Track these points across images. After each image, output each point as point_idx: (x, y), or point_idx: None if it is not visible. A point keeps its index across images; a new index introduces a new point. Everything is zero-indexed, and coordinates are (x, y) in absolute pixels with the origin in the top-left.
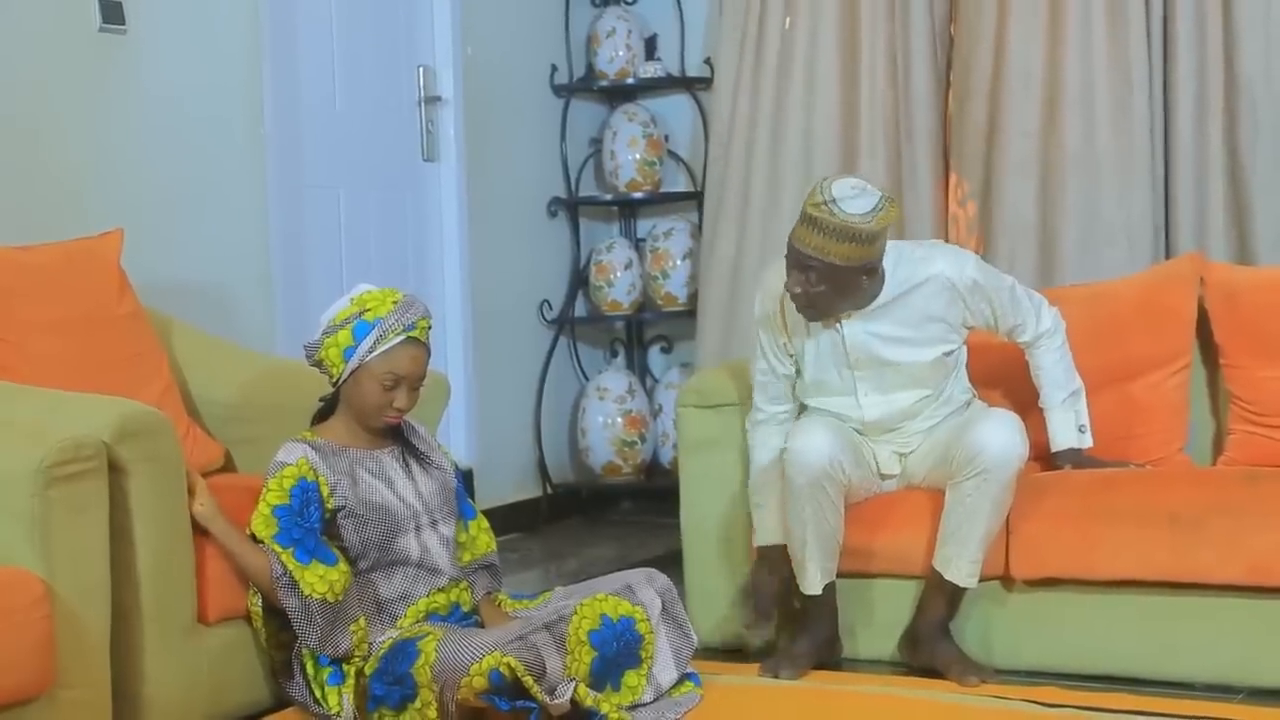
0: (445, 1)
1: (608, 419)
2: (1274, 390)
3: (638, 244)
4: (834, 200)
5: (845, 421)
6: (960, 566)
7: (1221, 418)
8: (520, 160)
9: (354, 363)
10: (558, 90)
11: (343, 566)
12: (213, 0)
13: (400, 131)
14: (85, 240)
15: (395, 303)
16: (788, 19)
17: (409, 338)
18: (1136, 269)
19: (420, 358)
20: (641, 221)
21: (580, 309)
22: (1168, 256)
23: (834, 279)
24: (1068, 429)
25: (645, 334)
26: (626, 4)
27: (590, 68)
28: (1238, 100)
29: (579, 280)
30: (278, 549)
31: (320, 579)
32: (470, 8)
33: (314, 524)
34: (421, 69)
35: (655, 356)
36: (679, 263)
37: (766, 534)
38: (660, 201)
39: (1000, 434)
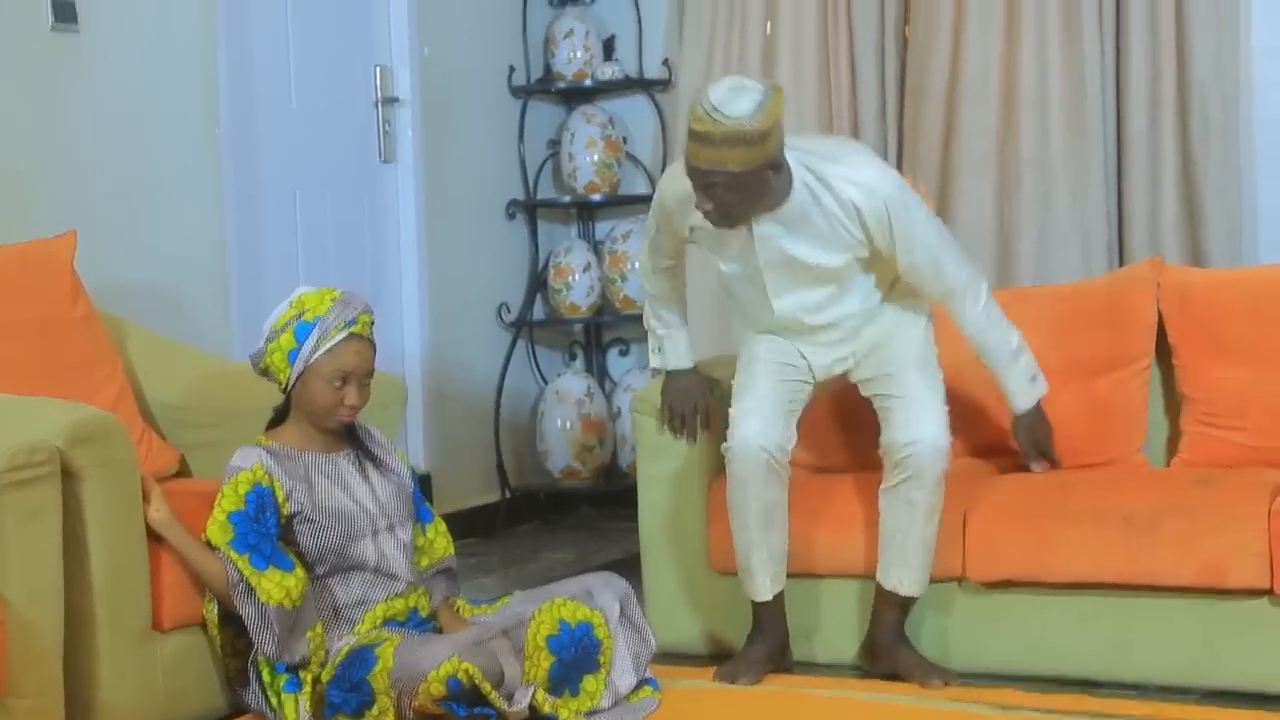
0: (402, 1)
1: (566, 422)
2: (1227, 391)
3: (596, 246)
4: (715, 109)
5: (759, 321)
6: (904, 577)
7: (1176, 418)
8: (478, 162)
9: (299, 365)
10: (515, 91)
11: (299, 572)
12: (167, 2)
13: (357, 132)
14: (38, 242)
15: (334, 300)
16: (768, 23)
17: (351, 333)
18: (1092, 270)
19: (365, 352)
20: (600, 224)
21: (539, 311)
22: (1122, 258)
23: (740, 186)
24: (1022, 387)
25: (604, 337)
26: (584, 5)
27: (548, 69)
28: (1190, 101)
29: (537, 283)
30: (233, 555)
31: (277, 585)
32: (427, 8)
33: (270, 529)
34: (379, 69)
35: (614, 359)
36: (637, 265)
37: (675, 358)
38: (619, 204)
39: (927, 431)
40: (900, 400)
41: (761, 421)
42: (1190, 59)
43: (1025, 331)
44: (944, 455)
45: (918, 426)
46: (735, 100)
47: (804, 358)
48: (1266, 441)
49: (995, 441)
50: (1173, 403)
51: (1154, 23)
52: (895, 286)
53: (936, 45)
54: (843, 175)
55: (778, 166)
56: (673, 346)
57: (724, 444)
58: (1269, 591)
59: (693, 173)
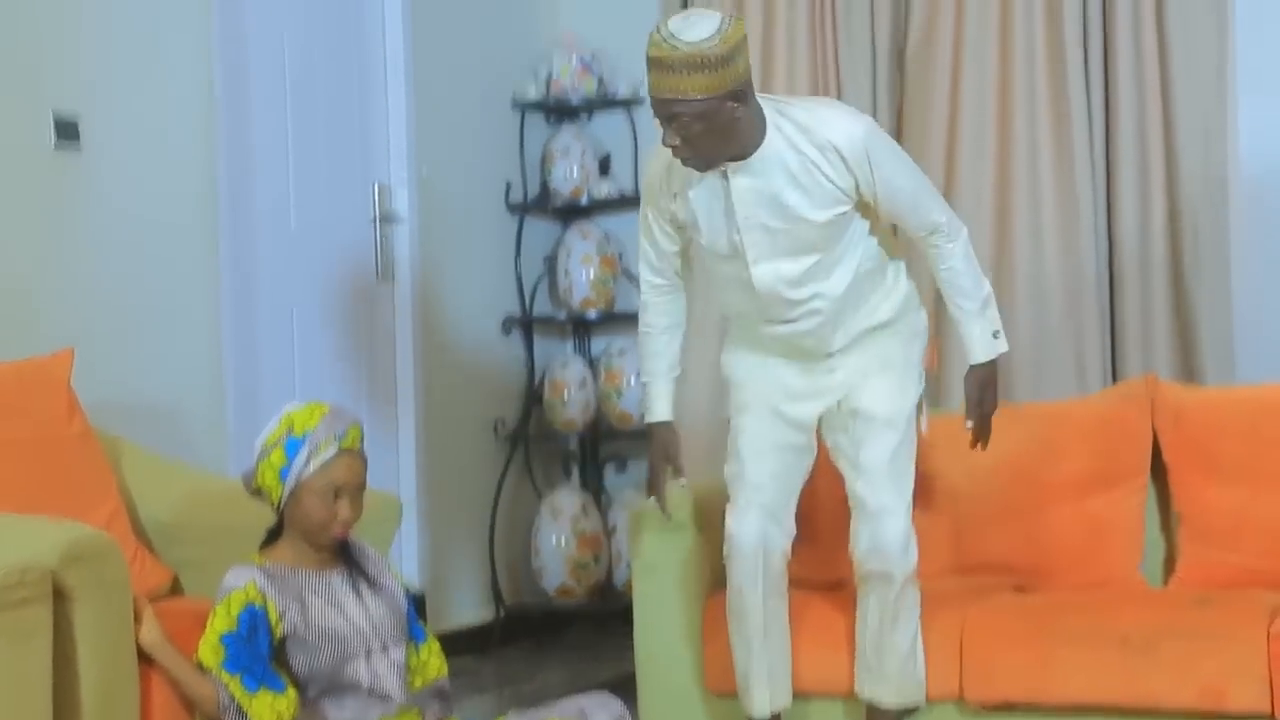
0: (401, 120)
1: (561, 539)
2: (1223, 511)
3: (592, 361)
4: (671, 35)
5: (742, 315)
6: (878, 689)
7: (1172, 538)
8: (475, 278)
9: (291, 481)
10: (512, 208)
11: (291, 694)
12: (168, 118)
13: (355, 250)
14: (35, 360)
15: (323, 415)
16: None
17: (342, 448)
18: (1086, 387)
19: (357, 466)
20: (595, 339)
21: (534, 427)
22: (1115, 375)
23: (705, 117)
24: (984, 340)
25: (600, 452)
26: (581, 123)
27: (545, 186)
28: (1180, 221)
29: (533, 398)
30: (225, 677)
31: (268, 708)
32: (426, 127)
33: (262, 650)
34: (377, 187)
35: (610, 475)
36: (633, 381)
37: (657, 409)
38: (614, 320)
39: (887, 535)
40: (860, 501)
41: (759, 519)
42: (1179, 180)
43: (1020, 449)
44: (903, 559)
45: (877, 532)
46: (693, 26)
47: (795, 399)
48: (1263, 562)
49: (992, 559)
50: (1169, 522)
51: (1142, 144)
52: (879, 291)
53: (929, 168)
54: (819, 118)
55: (742, 98)
56: (652, 396)
57: (724, 549)
58: (1270, 716)
59: (656, 105)
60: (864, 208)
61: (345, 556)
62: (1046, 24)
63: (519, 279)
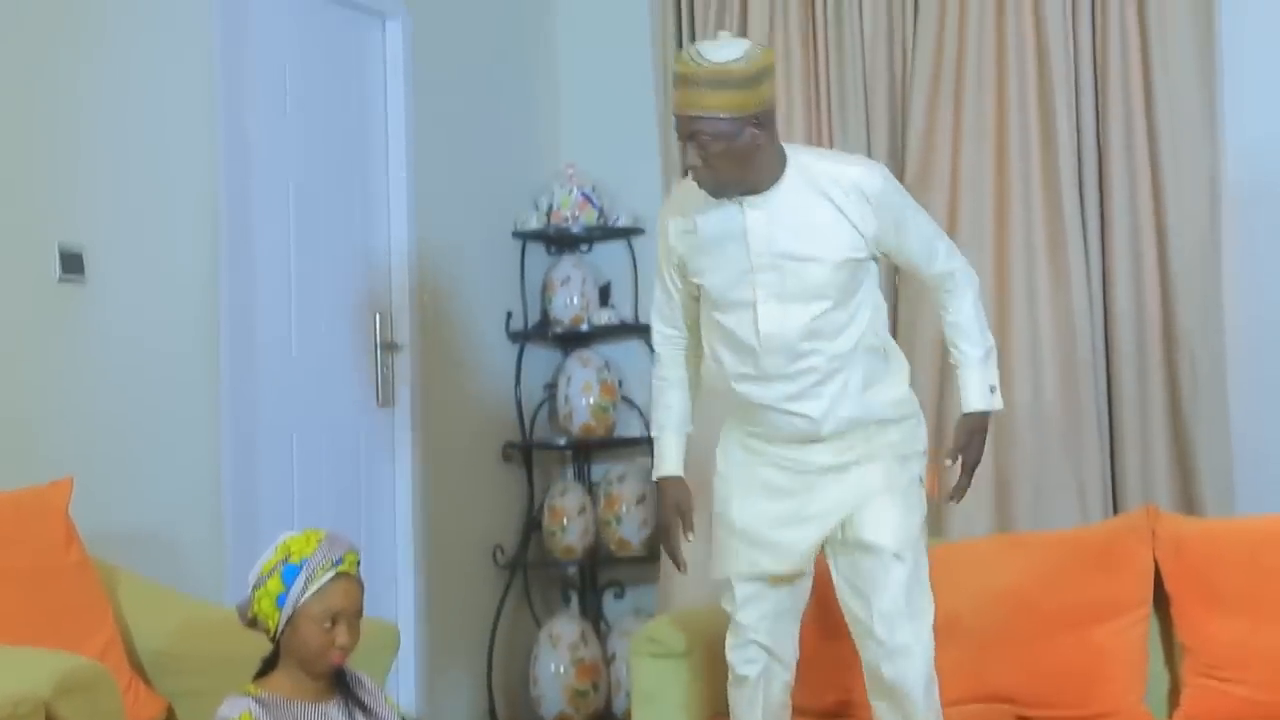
0: (403, 249)
1: (560, 666)
2: (1226, 642)
3: (591, 488)
4: (699, 53)
5: (736, 364)
6: None
7: (1176, 669)
8: (475, 404)
9: (288, 608)
10: (513, 336)
11: None
12: (172, 248)
13: (356, 376)
14: (34, 489)
15: (319, 541)
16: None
17: (339, 573)
18: (1088, 516)
19: (354, 591)
20: (595, 466)
21: (533, 553)
22: (1116, 505)
23: (726, 138)
24: (981, 390)
25: (599, 579)
26: (581, 253)
27: (545, 314)
28: (1178, 355)
29: (532, 524)
30: None
31: None
32: (427, 255)
33: None
34: (378, 316)
35: (609, 602)
36: (632, 508)
37: (666, 464)
38: (614, 445)
39: (915, 677)
40: (876, 640)
41: (759, 652)
42: (1175, 308)
43: (1021, 578)
44: (926, 702)
45: (896, 675)
46: (721, 47)
47: (787, 524)
48: (1268, 695)
49: (994, 689)
50: (1172, 653)
51: (1138, 277)
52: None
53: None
54: (839, 159)
55: (765, 125)
56: (662, 449)
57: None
58: None
59: (678, 123)
60: (871, 271)
61: (341, 686)
62: (1042, 163)
63: (519, 405)
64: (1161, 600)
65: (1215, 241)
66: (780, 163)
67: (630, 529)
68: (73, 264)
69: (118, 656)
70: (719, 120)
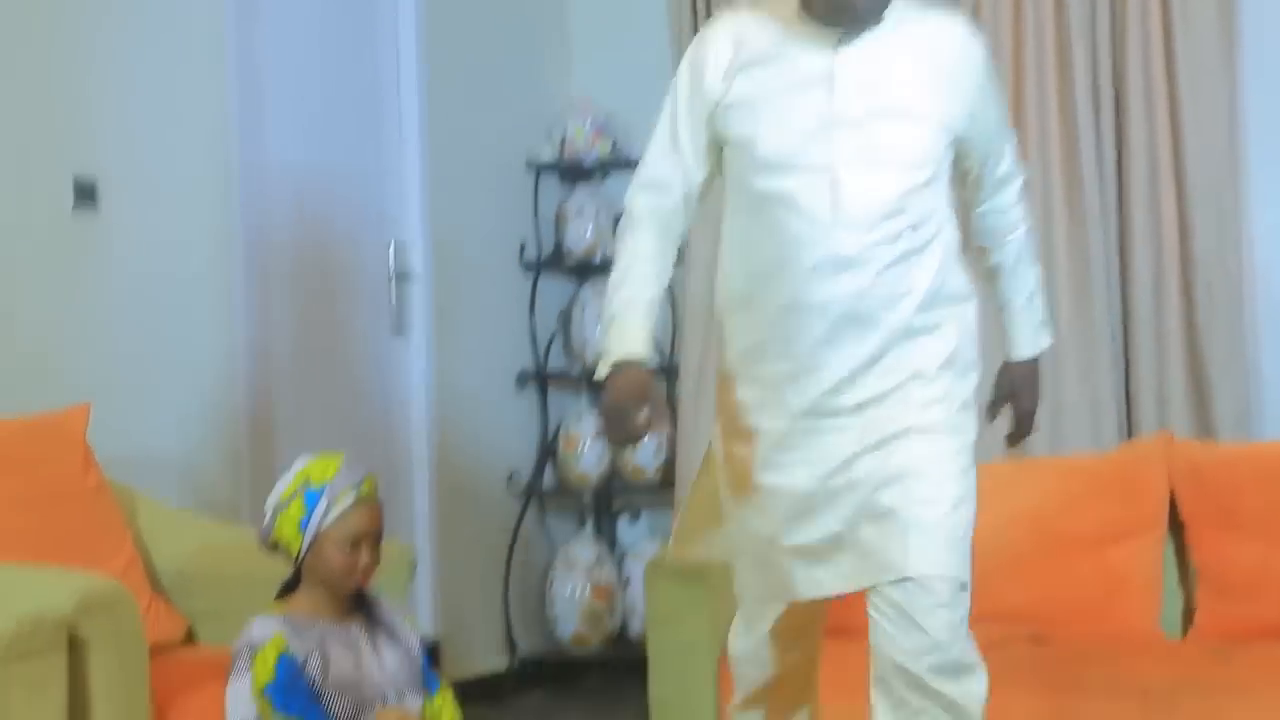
0: (416, 179)
1: (576, 589)
2: (1241, 565)
3: None
4: None
5: (783, 251)
6: None
7: (1190, 591)
8: (489, 334)
9: (311, 532)
10: (527, 266)
11: None
12: (185, 177)
13: (371, 305)
14: (51, 415)
15: (339, 466)
16: None
17: (359, 496)
18: (1102, 442)
19: (375, 514)
20: None
21: (549, 479)
22: (1130, 430)
23: None
24: (1030, 331)
25: (614, 504)
26: (595, 183)
27: (559, 245)
28: (1194, 280)
29: (547, 451)
30: None
31: None
32: (441, 186)
33: (305, 694)
34: (393, 244)
35: (624, 527)
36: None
37: (629, 343)
38: None
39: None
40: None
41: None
42: (1192, 236)
43: (1037, 501)
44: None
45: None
46: None
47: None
48: None
49: (1009, 610)
50: (1187, 576)
51: (1155, 202)
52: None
53: None
54: (946, 15)
55: None
56: (626, 326)
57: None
58: None
59: None
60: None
61: (362, 607)
62: (1058, 89)
63: (533, 334)
64: (1176, 524)
65: (1234, 167)
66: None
67: (645, 456)
68: (86, 194)
69: (138, 577)
70: None
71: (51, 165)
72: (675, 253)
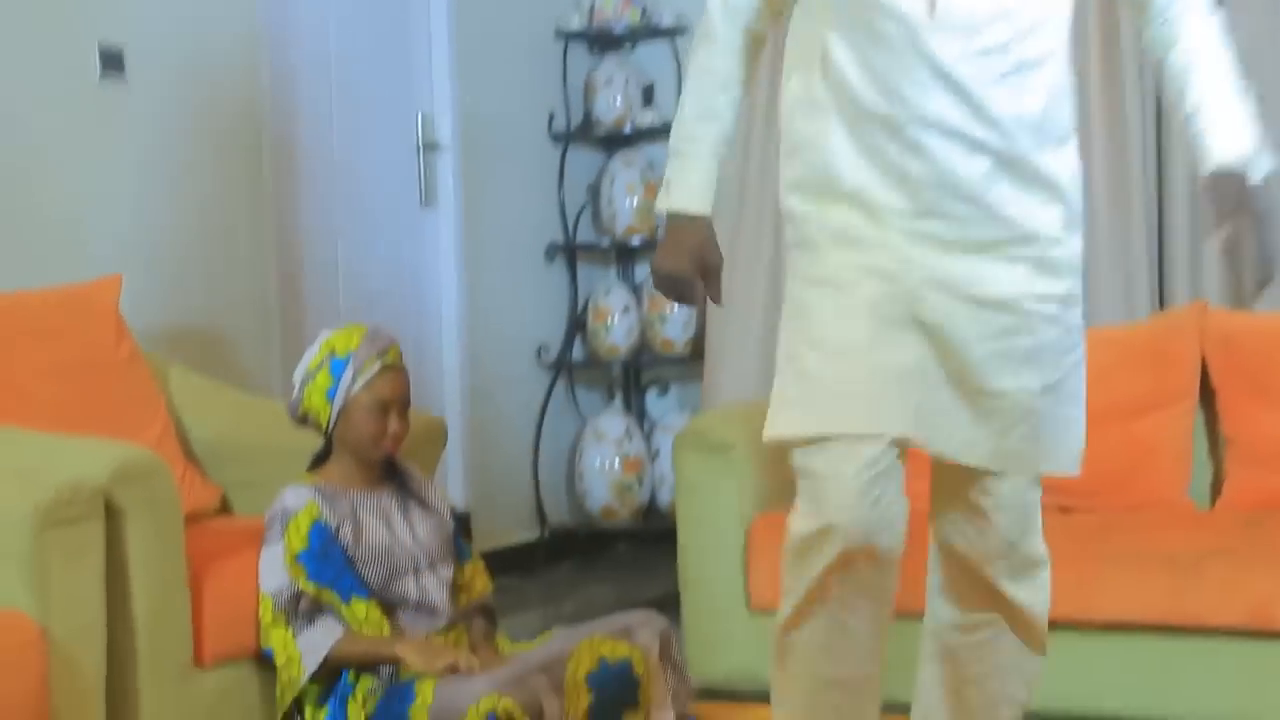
0: (444, 49)
1: (605, 461)
2: (1272, 435)
3: (635, 288)
4: None
5: (876, 70)
6: None
7: (1220, 461)
8: (518, 206)
9: (340, 400)
10: (556, 137)
11: (374, 601)
12: (212, 46)
13: (399, 177)
14: (83, 285)
15: (363, 335)
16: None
17: (385, 364)
18: (1135, 312)
19: (401, 380)
20: (639, 266)
21: (578, 352)
22: (1163, 301)
23: None
24: (1235, 131)
25: (643, 377)
26: (624, 53)
27: (588, 115)
28: None
29: (576, 324)
30: (312, 592)
31: (363, 615)
32: (468, 56)
33: (339, 561)
34: (420, 115)
35: (653, 399)
36: (676, 307)
37: (691, 191)
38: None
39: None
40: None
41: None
42: None
43: None
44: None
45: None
46: None
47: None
48: None
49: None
50: (1217, 446)
51: None
52: None
53: None
54: None
55: None
56: (687, 172)
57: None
58: None
59: None
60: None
61: (393, 477)
62: None
63: (562, 207)
64: (1207, 394)
65: (1274, 39)
66: None
67: (674, 329)
68: (113, 62)
69: (172, 447)
70: None
71: (77, 34)
72: (750, 78)
